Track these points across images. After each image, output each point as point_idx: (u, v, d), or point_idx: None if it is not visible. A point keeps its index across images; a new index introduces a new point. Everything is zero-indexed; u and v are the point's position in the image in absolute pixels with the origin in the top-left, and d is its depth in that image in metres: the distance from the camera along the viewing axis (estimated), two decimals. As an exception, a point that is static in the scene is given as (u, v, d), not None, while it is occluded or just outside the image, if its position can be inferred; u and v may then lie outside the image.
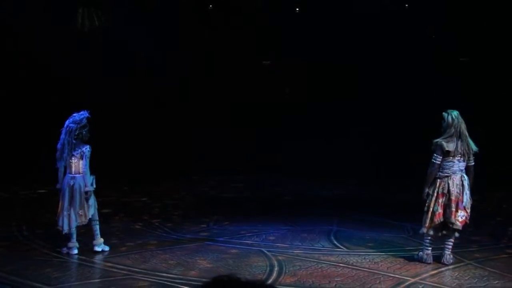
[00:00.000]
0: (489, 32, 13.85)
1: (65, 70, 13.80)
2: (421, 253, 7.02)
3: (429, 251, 6.94)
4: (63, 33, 13.75)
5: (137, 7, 14.08)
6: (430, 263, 6.88)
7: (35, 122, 13.81)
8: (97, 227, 7.41)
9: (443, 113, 6.88)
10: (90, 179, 7.23)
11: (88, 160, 7.17)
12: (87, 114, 7.25)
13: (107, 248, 7.40)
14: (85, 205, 7.20)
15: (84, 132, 7.20)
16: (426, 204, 6.85)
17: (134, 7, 13.99)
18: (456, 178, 6.71)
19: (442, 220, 6.76)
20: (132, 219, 9.37)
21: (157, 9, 14.43)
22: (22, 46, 13.39)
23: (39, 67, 13.94)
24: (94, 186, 7.30)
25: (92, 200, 7.30)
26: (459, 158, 6.72)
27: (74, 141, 7.13)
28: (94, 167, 7.34)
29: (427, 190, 6.82)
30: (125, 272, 6.52)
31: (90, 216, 7.28)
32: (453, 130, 6.71)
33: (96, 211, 7.40)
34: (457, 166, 6.74)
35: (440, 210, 6.74)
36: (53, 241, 7.61)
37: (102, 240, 7.42)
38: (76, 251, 7.24)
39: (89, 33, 14.29)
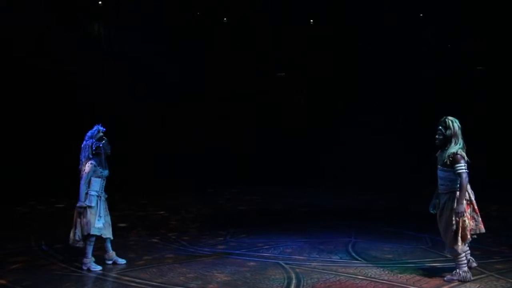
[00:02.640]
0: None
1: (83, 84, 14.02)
2: (461, 272, 6.49)
3: (467, 266, 6.57)
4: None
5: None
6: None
7: (52, 136, 13.94)
8: (89, 247, 7.11)
9: (446, 120, 6.42)
10: (84, 195, 6.97)
11: (87, 175, 6.98)
12: (100, 127, 7.20)
13: (98, 268, 7.14)
14: (78, 223, 7.03)
15: (101, 145, 7.09)
16: (454, 222, 6.31)
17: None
18: (469, 187, 6.56)
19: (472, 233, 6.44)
20: (149, 233, 9.39)
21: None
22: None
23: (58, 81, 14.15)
24: (89, 203, 6.98)
25: (89, 218, 6.97)
26: None
27: (91, 156, 7.10)
28: (110, 181, 7.35)
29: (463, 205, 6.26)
30: (142, 286, 6.51)
31: (79, 235, 7.01)
32: (461, 139, 6.38)
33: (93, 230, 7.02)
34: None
35: (469, 223, 6.39)
36: (72, 256, 7.63)
37: (89, 260, 7.14)
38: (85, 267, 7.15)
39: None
